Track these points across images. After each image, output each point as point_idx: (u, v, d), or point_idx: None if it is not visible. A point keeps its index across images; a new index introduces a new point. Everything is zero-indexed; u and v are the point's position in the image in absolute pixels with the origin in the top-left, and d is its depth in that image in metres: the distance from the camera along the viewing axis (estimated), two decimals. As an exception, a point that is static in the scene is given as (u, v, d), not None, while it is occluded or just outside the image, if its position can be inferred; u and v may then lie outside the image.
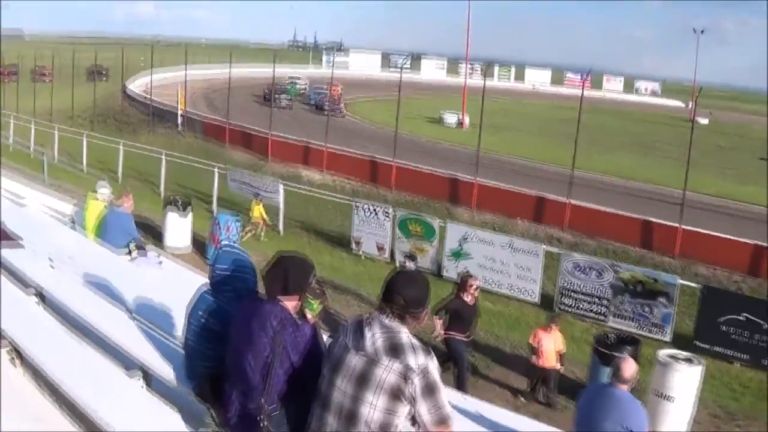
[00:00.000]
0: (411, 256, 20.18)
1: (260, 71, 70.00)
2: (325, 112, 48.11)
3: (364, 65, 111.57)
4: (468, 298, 13.35)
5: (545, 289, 20.64)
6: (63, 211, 13.14)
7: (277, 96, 56.89)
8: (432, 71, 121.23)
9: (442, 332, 13.27)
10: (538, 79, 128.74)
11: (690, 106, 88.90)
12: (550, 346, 13.97)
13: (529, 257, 20.76)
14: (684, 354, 14.45)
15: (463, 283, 13.46)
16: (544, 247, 21.57)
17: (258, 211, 25.96)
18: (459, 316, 13.30)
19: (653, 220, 27.75)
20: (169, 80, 63.54)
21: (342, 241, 25.38)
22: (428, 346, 3.91)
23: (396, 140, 35.75)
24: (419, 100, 70.26)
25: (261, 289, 4.68)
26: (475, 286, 13.55)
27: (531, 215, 29.66)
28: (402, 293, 3.98)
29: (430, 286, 4.12)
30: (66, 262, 7.41)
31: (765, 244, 25.49)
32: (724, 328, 17.79)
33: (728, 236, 26.18)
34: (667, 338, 18.24)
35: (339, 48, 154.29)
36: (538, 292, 20.52)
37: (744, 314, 17.71)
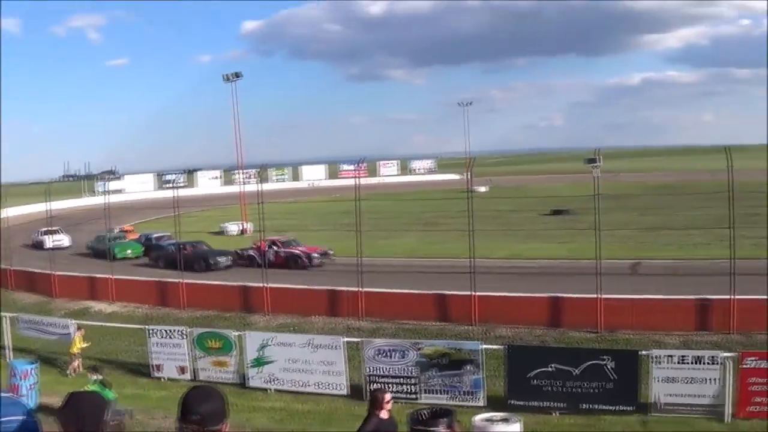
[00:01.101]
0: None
1: (34, 209, 67.90)
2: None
3: (138, 188, 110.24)
4: (384, 415, 12.39)
5: (353, 380, 20.92)
6: None
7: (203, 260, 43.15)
8: (208, 184, 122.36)
9: None
10: (314, 176, 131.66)
11: (466, 176, 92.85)
12: None
13: (331, 351, 21.10)
14: (500, 415, 14.97)
15: (376, 399, 12.44)
16: (344, 338, 21.90)
17: (79, 342, 25.21)
18: None
19: (446, 292, 28.97)
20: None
21: (142, 369, 24.83)
22: None
23: (180, 257, 35.92)
24: (200, 214, 70.45)
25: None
26: (389, 400, 12.64)
27: (326, 310, 30.04)
28: (197, 410, 3.98)
29: (227, 398, 4.13)
30: None
31: (560, 296, 26.96)
32: (535, 381, 18.68)
33: (523, 294, 27.51)
34: (481, 403, 18.91)
35: (112, 174, 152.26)
36: (345, 384, 20.75)
37: (552, 365, 18.62)
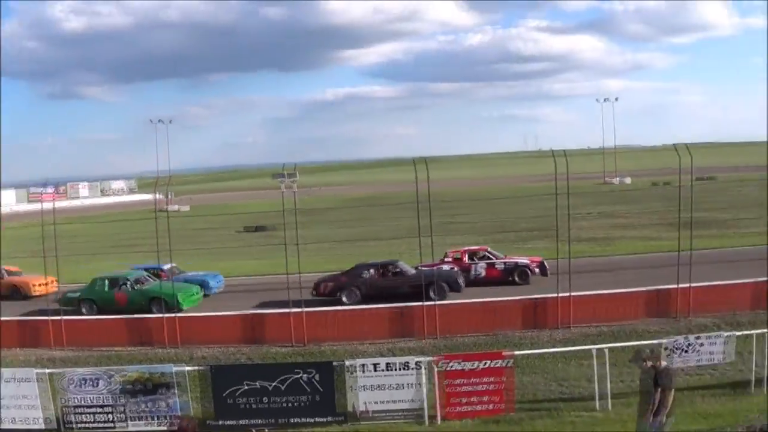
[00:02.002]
0: None
1: None
2: None
3: None
4: None
5: (51, 412, 20.02)
6: None
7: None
8: None
9: None
10: (4, 201, 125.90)
11: (167, 196, 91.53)
12: None
13: (24, 384, 20.04)
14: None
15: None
16: (36, 370, 20.96)
17: None
18: None
19: (143, 316, 28.82)
20: None
21: None
22: None
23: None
24: None
25: None
26: None
27: (18, 341, 28.27)
28: None
29: None
30: None
31: (259, 312, 27.37)
32: (240, 400, 18.80)
33: (221, 313, 28.12)
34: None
35: None
36: (42, 418, 19.80)
37: (253, 382, 18.86)
